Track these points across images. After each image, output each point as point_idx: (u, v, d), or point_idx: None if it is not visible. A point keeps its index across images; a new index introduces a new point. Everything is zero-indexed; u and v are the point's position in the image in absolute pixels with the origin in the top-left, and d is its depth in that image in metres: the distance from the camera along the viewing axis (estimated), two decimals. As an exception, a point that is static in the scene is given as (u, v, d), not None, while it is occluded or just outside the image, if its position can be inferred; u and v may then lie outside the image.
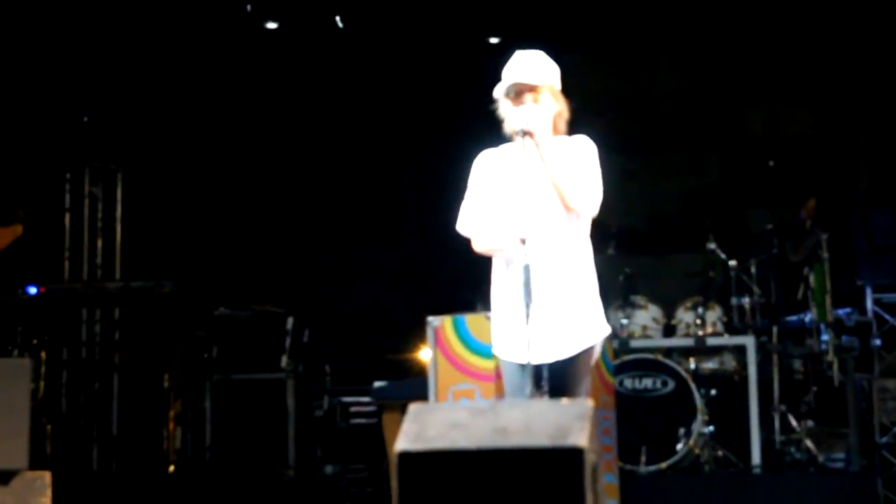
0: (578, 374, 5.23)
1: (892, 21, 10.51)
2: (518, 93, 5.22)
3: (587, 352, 5.27)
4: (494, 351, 5.42)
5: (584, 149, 5.28)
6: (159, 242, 10.61)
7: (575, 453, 3.76)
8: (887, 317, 9.84)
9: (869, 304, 9.84)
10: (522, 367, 5.16)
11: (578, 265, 5.29)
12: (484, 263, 5.46)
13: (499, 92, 5.27)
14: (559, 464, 3.75)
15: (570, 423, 3.87)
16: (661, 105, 11.78)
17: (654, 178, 11.69)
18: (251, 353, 9.52)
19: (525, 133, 5.15)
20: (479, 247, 5.36)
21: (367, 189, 11.36)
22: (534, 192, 5.19)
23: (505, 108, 5.29)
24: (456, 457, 3.82)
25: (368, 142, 11.16)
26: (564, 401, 4.64)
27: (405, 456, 3.85)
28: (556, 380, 5.10)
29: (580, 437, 3.79)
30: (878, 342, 9.53)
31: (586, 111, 10.64)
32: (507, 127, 5.28)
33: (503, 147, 5.38)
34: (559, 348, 5.18)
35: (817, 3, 10.59)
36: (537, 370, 4.97)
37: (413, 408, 4.05)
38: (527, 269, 4.96)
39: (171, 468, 9.11)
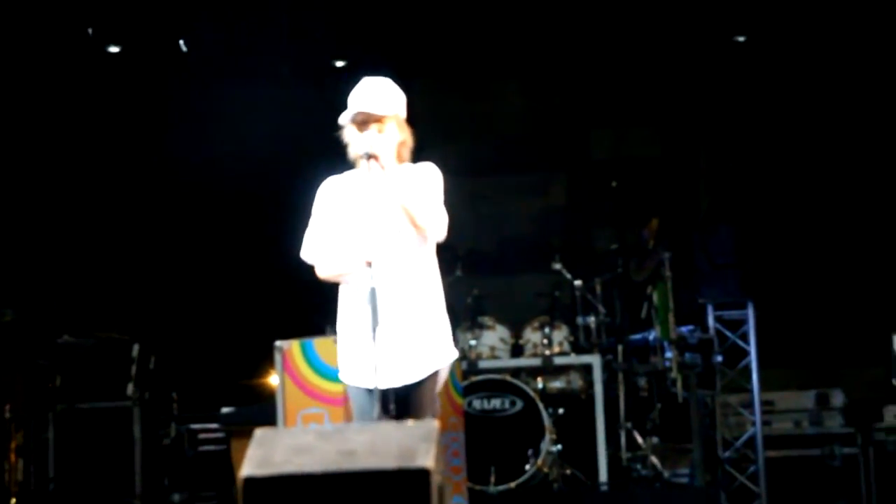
0: (425, 398, 5.24)
1: (731, 45, 10.77)
2: (363, 122, 5.24)
3: (434, 376, 5.30)
4: (341, 376, 5.42)
5: (430, 174, 5.32)
6: (-2, 270, 10.37)
7: (421, 474, 3.77)
8: (728, 334, 10.07)
9: (710, 321, 10.07)
10: (369, 391, 5.18)
11: (425, 289, 5.31)
12: (333, 288, 5.45)
13: (344, 119, 5.28)
14: (406, 485, 3.76)
15: (416, 444, 3.87)
16: (508, 127, 11.88)
17: (502, 200, 11.77)
18: (96, 382, 9.35)
19: (370, 156, 5.18)
20: (323, 273, 5.36)
21: (213, 213, 11.24)
22: (379, 216, 5.22)
23: (350, 133, 5.30)
24: (302, 481, 3.80)
25: (214, 167, 11.06)
26: (410, 423, 4.65)
27: (251, 481, 3.82)
28: (403, 404, 5.13)
29: (426, 459, 3.81)
30: (719, 359, 9.75)
31: (434, 135, 10.76)
32: (352, 152, 5.30)
33: (347, 174, 5.40)
34: (406, 373, 5.20)
35: (661, 27, 10.79)
36: (384, 395, 4.98)
37: (259, 433, 4.03)
38: (373, 292, 4.97)
39: (13, 501, 8.88)
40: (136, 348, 9.39)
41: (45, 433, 9.09)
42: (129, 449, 9.09)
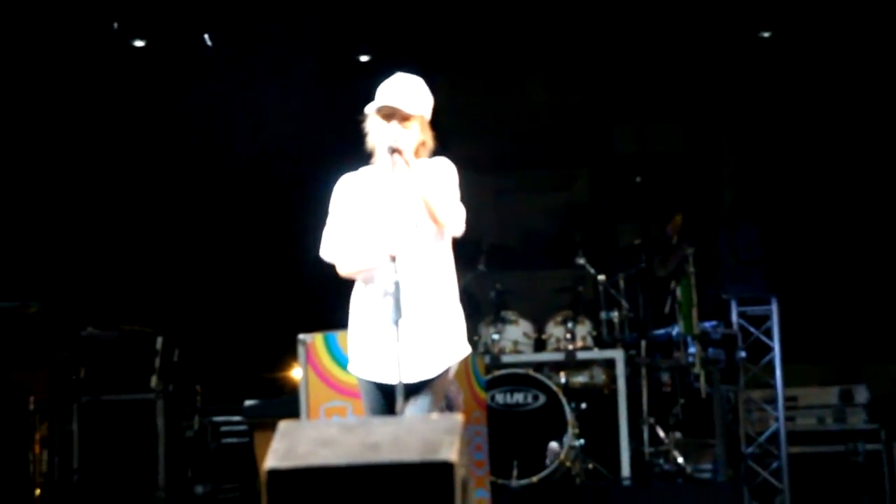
0: (436, 393, 5.24)
1: (756, 41, 10.74)
2: (389, 115, 5.25)
3: (446, 372, 5.30)
4: (351, 370, 5.41)
5: (446, 170, 5.32)
6: (24, 262, 10.41)
7: (445, 468, 3.77)
8: (752, 329, 10.06)
9: (734, 317, 10.06)
10: (380, 386, 5.20)
11: (443, 284, 5.31)
12: (353, 282, 5.45)
13: (370, 109, 5.29)
14: (429, 478, 3.76)
15: (440, 437, 3.88)
16: (531, 122, 11.87)
17: (526, 195, 11.77)
18: (120, 374, 9.37)
19: (394, 150, 5.18)
20: (344, 270, 5.34)
21: (237, 206, 11.27)
22: (401, 210, 5.22)
23: (373, 124, 5.31)
24: (326, 473, 3.80)
25: (238, 160, 11.08)
26: (434, 416, 4.66)
27: (274, 473, 3.83)
28: (414, 399, 5.13)
29: (450, 452, 3.81)
30: (742, 354, 9.74)
31: (457, 130, 10.76)
32: (372, 142, 5.31)
33: (363, 170, 5.40)
34: (422, 368, 5.20)
35: (685, 22, 10.76)
36: (395, 390, 4.98)
37: (283, 425, 4.03)
38: (397, 285, 4.98)
39: (38, 492, 8.92)
40: (160, 341, 9.42)
41: (69, 425, 9.13)
42: (152, 441, 9.12)
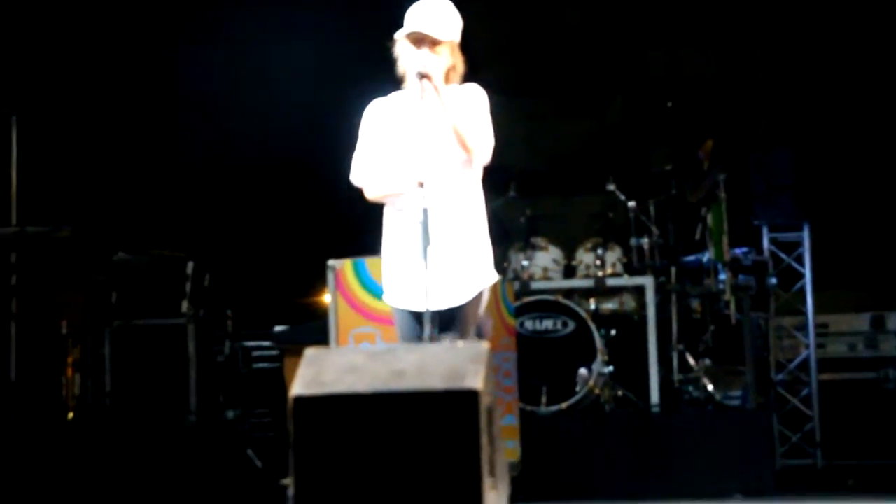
0: (468, 321, 5.24)
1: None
2: (418, 41, 5.22)
3: (478, 297, 5.29)
4: (386, 299, 5.42)
5: (476, 96, 5.28)
6: (56, 187, 10.44)
7: (470, 396, 3.78)
8: (783, 256, 10.02)
9: (765, 243, 10.03)
10: (413, 314, 5.20)
11: (472, 211, 5.30)
12: (384, 208, 5.44)
13: (400, 34, 5.25)
14: (453, 406, 3.77)
15: (465, 365, 3.88)
16: (563, 46, 11.78)
17: (557, 120, 11.69)
18: (151, 299, 9.42)
19: (423, 76, 5.15)
20: (372, 194, 5.34)
21: (269, 131, 11.26)
22: (430, 136, 5.19)
23: (403, 49, 5.28)
24: (351, 400, 3.82)
25: (265, 86, 11.05)
26: (460, 344, 4.66)
27: (300, 400, 3.85)
28: (446, 325, 5.13)
29: (475, 380, 3.81)
30: (773, 281, 9.70)
31: (489, 54, 10.67)
32: (402, 68, 5.28)
33: (393, 95, 5.38)
34: (452, 295, 5.20)
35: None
36: (431, 315, 4.98)
37: (309, 352, 4.05)
38: (426, 212, 4.97)
39: (71, 415, 9.01)
40: (190, 266, 9.45)
41: (101, 349, 9.19)
42: (183, 365, 9.18)
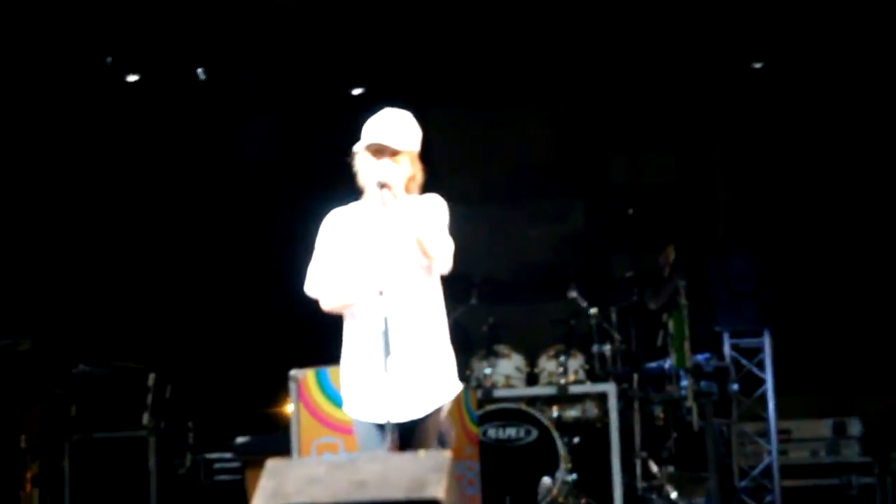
0: (429, 432, 5.23)
1: (748, 72, 10.77)
2: (378, 151, 5.24)
3: (438, 410, 5.28)
4: (346, 410, 5.39)
5: (436, 205, 5.31)
6: (15, 299, 10.38)
7: (432, 506, 3.76)
8: (744, 362, 10.06)
9: (727, 349, 10.06)
10: (375, 425, 5.17)
11: (433, 320, 5.29)
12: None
13: (359, 146, 5.28)
14: (416, 517, 3.75)
15: (427, 475, 3.87)
16: (525, 154, 11.86)
17: (519, 228, 11.75)
18: (112, 411, 9.34)
19: (383, 185, 5.17)
20: (328, 304, 5.32)
21: (228, 242, 11.26)
22: (391, 245, 5.21)
23: (363, 161, 5.30)
24: (313, 512, 3.79)
25: (226, 195, 11.09)
26: (422, 453, 4.64)
27: (261, 513, 3.82)
28: (407, 438, 5.11)
29: (437, 490, 3.80)
30: (735, 387, 9.73)
31: (451, 162, 10.75)
32: (362, 179, 5.30)
33: (352, 205, 5.40)
34: (414, 407, 5.18)
35: (679, 54, 10.79)
36: (388, 427, 4.95)
37: (270, 464, 4.02)
38: (386, 321, 4.96)
39: (30, 531, 8.89)
40: (151, 377, 9.39)
41: (60, 462, 9.09)
42: (144, 478, 9.08)
